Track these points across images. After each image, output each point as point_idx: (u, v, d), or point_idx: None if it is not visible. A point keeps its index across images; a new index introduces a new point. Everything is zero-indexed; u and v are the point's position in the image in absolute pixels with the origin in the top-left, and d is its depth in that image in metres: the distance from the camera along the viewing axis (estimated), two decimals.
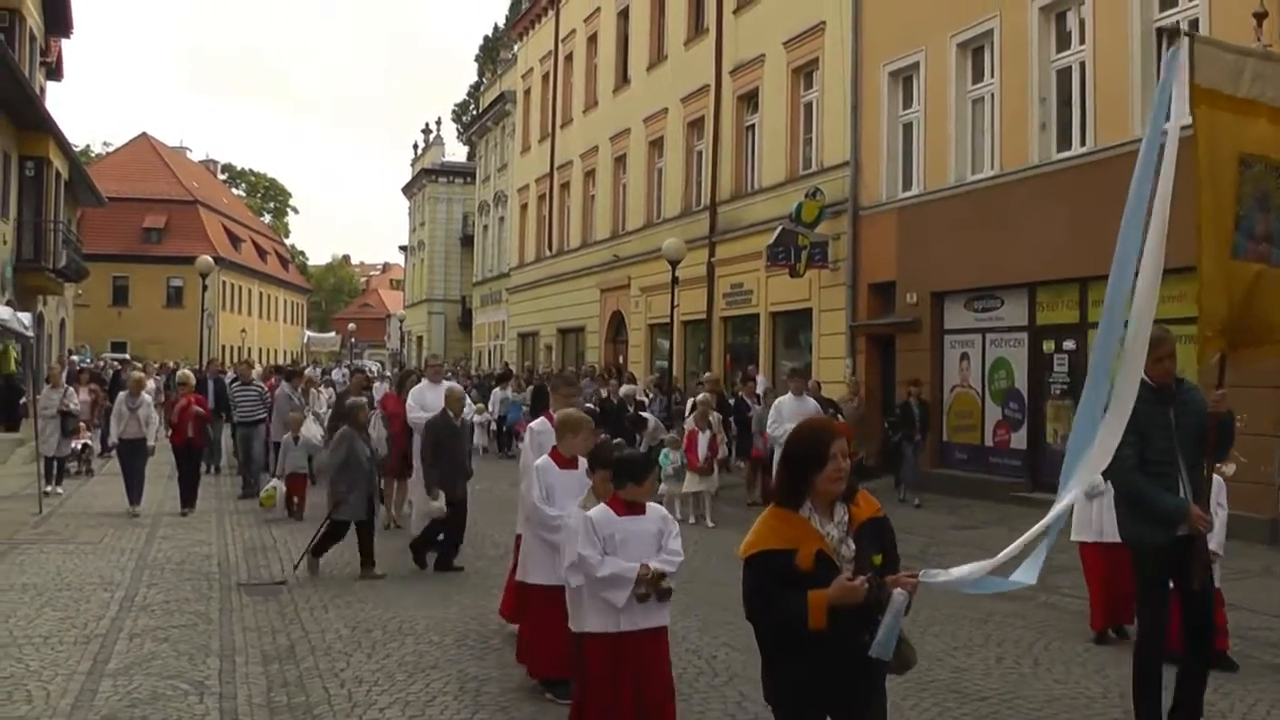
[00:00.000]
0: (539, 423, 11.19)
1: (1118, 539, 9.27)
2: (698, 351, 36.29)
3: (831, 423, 5.73)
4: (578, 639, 7.78)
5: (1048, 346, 21.99)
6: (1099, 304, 20.17)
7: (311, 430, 20.97)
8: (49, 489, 21.77)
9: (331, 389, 30.75)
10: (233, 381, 25.54)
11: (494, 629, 11.68)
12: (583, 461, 9.23)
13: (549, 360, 49.04)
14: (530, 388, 32.55)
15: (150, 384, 24.35)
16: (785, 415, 17.59)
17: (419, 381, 19.19)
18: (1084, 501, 10.82)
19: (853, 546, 5.30)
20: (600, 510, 7.59)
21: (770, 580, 5.21)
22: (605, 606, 7.39)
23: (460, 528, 15.13)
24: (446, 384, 17.17)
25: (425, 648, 10.92)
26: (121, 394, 21.56)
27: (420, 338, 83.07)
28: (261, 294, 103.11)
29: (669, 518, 7.87)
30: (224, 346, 78.12)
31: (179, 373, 24.19)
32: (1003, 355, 23.15)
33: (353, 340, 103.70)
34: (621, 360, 39.99)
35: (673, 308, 31.57)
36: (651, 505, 7.75)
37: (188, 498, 20.42)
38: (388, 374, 44.13)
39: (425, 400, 17.09)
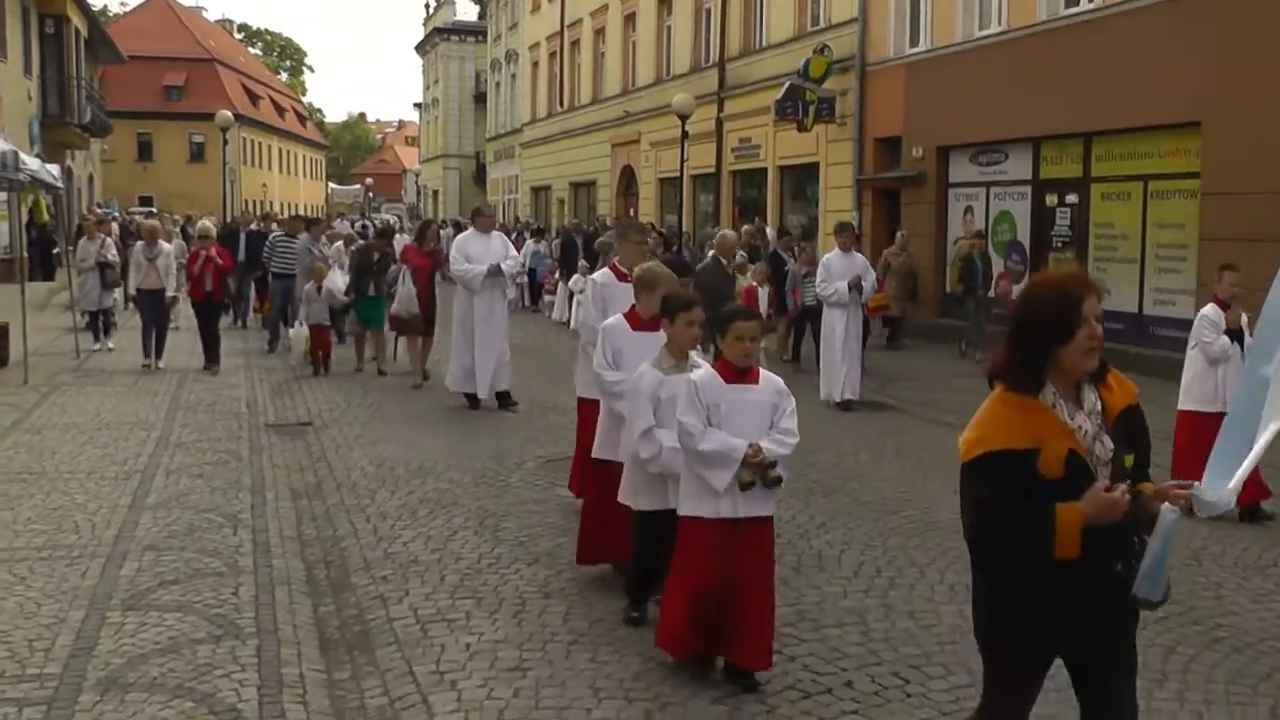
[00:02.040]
0: (602, 274, 10.07)
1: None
2: (706, 205, 36.64)
3: (1080, 276, 4.25)
4: (640, 518, 7.48)
5: (1051, 200, 22.25)
6: (1101, 159, 20.61)
7: (336, 282, 19.96)
8: (97, 346, 21.42)
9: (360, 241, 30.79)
10: (272, 233, 24.70)
11: (511, 467, 12.25)
12: None
13: (561, 213, 49.45)
14: (558, 240, 32.73)
15: (174, 240, 23.43)
16: (834, 273, 16.41)
17: (439, 233, 18.79)
18: (1205, 369, 10.64)
19: (1109, 444, 4.18)
20: (706, 374, 6.64)
21: (1005, 489, 4.04)
22: (706, 487, 6.48)
23: None
24: (720, 230, 15.92)
25: (445, 485, 11.43)
26: (138, 243, 20.65)
27: (436, 192, 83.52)
28: (281, 150, 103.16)
29: (785, 391, 6.71)
30: (247, 200, 78.46)
31: (199, 224, 22.24)
32: (1006, 208, 23.44)
33: (370, 195, 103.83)
34: (632, 212, 40.30)
35: (682, 162, 31.84)
36: (766, 375, 6.70)
37: (211, 355, 19.25)
38: (408, 226, 44.29)
39: (470, 251, 15.84)
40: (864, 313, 17.59)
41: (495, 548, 9.35)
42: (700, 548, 6.56)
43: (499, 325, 16.02)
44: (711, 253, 14.88)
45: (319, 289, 19.45)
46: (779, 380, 6.75)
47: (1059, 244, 21.99)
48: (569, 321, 24.82)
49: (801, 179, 31.42)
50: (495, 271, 15.71)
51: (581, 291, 24.32)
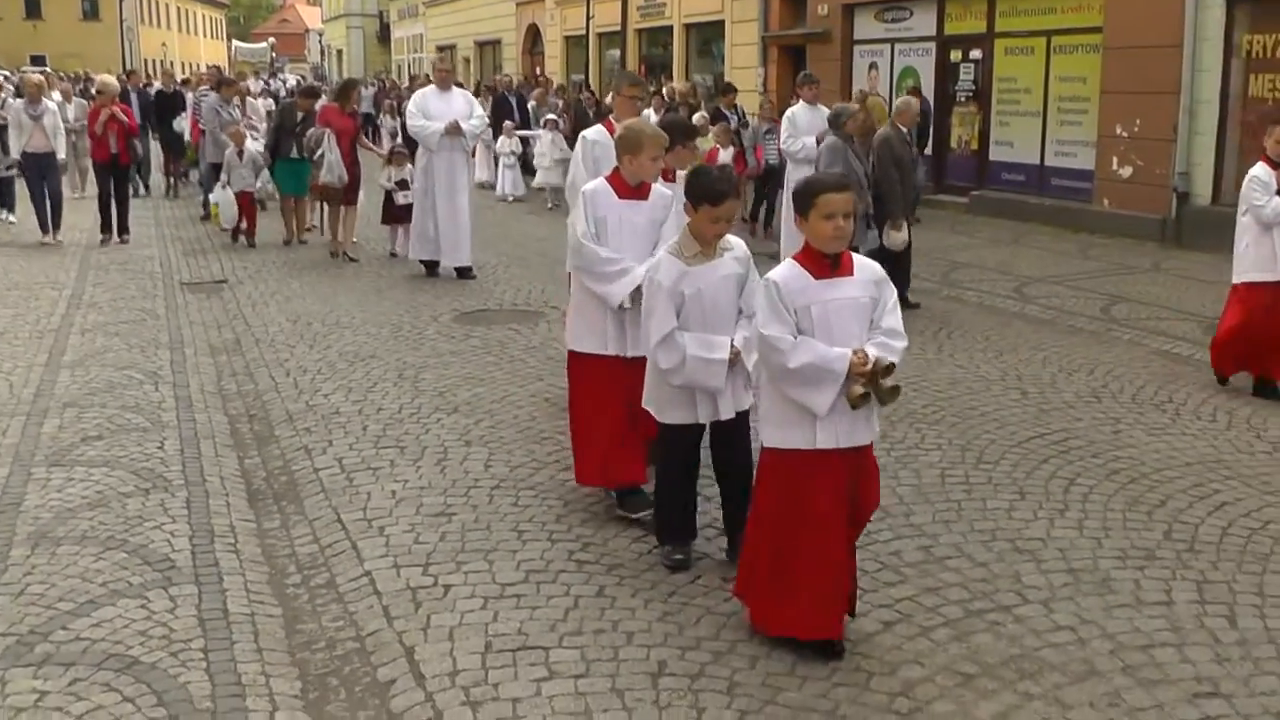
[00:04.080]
0: (595, 131, 8.71)
1: None
2: (612, 63, 36.37)
3: None
4: (668, 433, 6.29)
5: (955, 56, 22.38)
6: (1005, 14, 20.77)
7: (254, 145, 18.30)
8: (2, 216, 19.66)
9: (271, 100, 30.02)
10: (198, 87, 23.88)
11: (428, 320, 12.34)
12: (657, 191, 6.98)
13: (468, 72, 48.90)
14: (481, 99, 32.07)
15: (57, 98, 21.21)
16: (801, 127, 15.20)
17: (361, 93, 17.63)
18: (1259, 234, 9.45)
19: None
20: (789, 271, 5.24)
21: None
22: (797, 412, 5.23)
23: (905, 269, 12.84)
24: (904, 98, 14.18)
25: (363, 339, 11.51)
26: (18, 101, 19.01)
27: (340, 51, 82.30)
28: (180, 9, 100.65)
29: (885, 279, 5.37)
30: (146, 60, 76.69)
31: (98, 79, 19.54)
32: (911, 64, 23.50)
33: (273, 55, 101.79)
34: (539, 72, 39.92)
35: (588, 20, 31.72)
36: (862, 261, 5.37)
37: (120, 224, 17.83)
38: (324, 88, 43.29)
39: (430, 109, 14.66)
40: None
41: (415, 398, 9.48)
42: (777, 483, 5.36)
43: (462, 191, 15.05)
44: (853, 106, 13.92)
45: (240, 154, 17.98)
46: (875, 265, 5.40)
47: (963, 99, 22.19)
48: (495, 186, 24.38)
49: (707, 36, 31.32)
50: (455, 130, 14.55)
51: (510, 154, 23.57)
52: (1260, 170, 9.51)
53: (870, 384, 5.10)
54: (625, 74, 9.71)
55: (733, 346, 5.93)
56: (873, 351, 5.13)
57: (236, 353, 11.04)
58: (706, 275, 5.91)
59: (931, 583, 6.04)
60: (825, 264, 5.18)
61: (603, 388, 6.92)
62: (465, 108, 14.94)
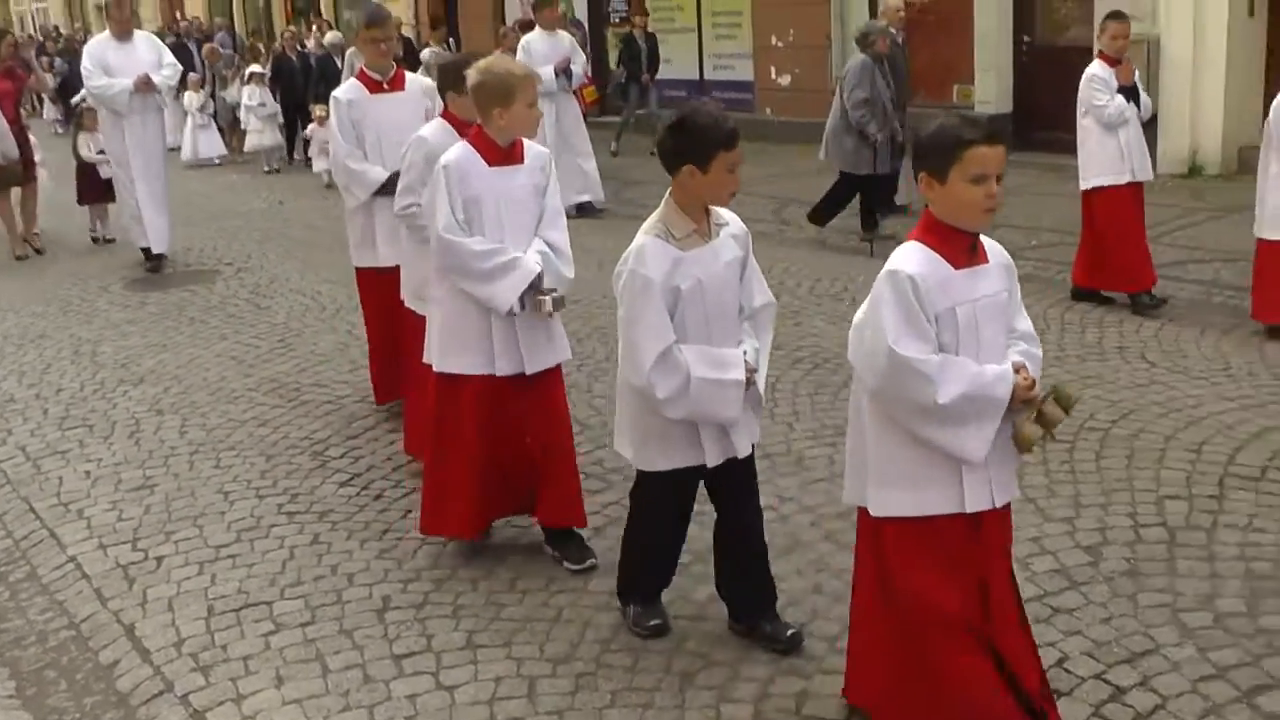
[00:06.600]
0: (348, 88, 7.36)
1: (1144, 178, 9.09)
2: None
3: None
4: (654, 483, 4.69)
5: None
6: None
7: None
8: None
9: None
10: None
11: (97, 292, 11.80)
12: (532, 150, 5.49)
13: (100, 20, 45.96)
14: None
15: None
16: (536, 57, 13.68)
17: (15, 46, 15.02)
18: (1102, 136, 9.06)
19: None
20: (921, 257, 3.65)
21: None
22: (929, 464, 3.73)
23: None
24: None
25: (29, 319, 10.90)
26: None
27: None
28: None
29: (1012, 266, 3.90)
30: None
31: None
32: None
33: None
34: (179, 17, 36.26)
35: None
36: (989, 242, 3.81)
37: None
38: None
39: (109, 62, 12.19)
40: (580, 104, 15.44)
41: (97, 373, 9.16)
42: (931, 566, 3.79)
43: (159, 158, 12.83)
44: (882, 22, 12.69)
45: None
46: (999, 247, 3.88)
47: (618, 18, 22.37)
48: (180, 149, 20.62)
49: None
50: (146, 85, 12.16)
51: (199, 111, 21.06)
52: (1099, 68, 9.11)
53: (1043, 419, 3.67)
54: (363, 7, 8.09)
55: (746, 361, 4.42)
56: (1016, 356, 3.75)
57: None
58: (706, 262, 4.37)
59: None
60: (964, 247, 3.67)
61: (489, 419, 5.38)
62: (153, 57, 12.58)
